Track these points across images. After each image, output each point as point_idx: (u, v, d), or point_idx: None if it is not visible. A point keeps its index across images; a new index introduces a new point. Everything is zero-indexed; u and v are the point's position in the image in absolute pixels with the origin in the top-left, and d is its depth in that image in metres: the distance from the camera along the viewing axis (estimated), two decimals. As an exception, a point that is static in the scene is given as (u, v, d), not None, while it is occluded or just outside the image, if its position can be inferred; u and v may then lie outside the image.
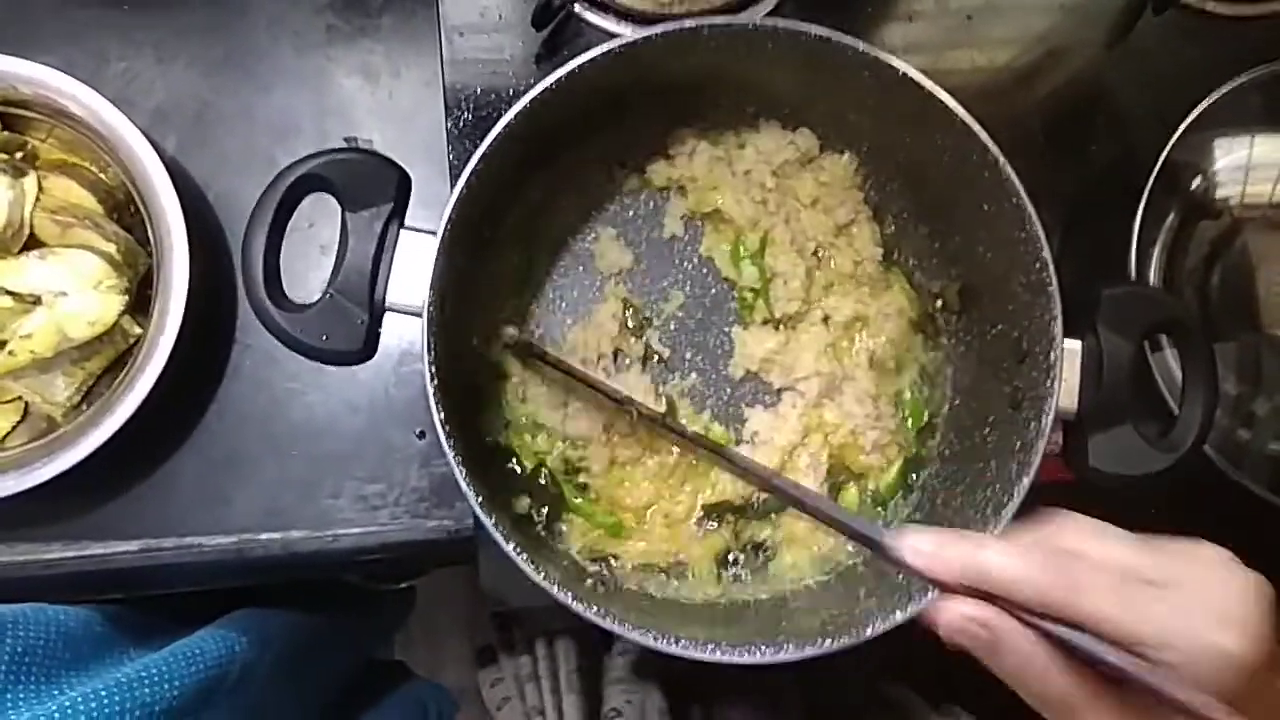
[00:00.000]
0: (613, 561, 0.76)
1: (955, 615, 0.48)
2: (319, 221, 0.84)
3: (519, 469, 0.76)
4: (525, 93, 0.63)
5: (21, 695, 0.66)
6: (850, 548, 0.77)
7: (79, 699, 0.64)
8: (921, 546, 0.50)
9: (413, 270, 0.62)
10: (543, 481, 0.76)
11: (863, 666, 1.05)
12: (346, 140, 0.86)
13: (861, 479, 0.79)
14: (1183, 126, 0.82)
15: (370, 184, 0.62)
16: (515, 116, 0.63)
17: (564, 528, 0.76)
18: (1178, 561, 0.47)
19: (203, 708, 0.72)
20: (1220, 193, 0.88)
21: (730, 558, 0.77)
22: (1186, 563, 0.47)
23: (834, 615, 0.67)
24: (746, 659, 0.61)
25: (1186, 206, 0.87)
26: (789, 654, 0.61)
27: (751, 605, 0.74)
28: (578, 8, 0.82)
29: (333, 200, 0.64)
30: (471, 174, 0.62)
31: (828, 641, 0.61)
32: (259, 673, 0.79)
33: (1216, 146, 0.88)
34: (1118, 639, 0.45)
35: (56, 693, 0.67)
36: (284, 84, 0.87)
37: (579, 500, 0.76)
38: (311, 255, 0.84)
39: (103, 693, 0.65)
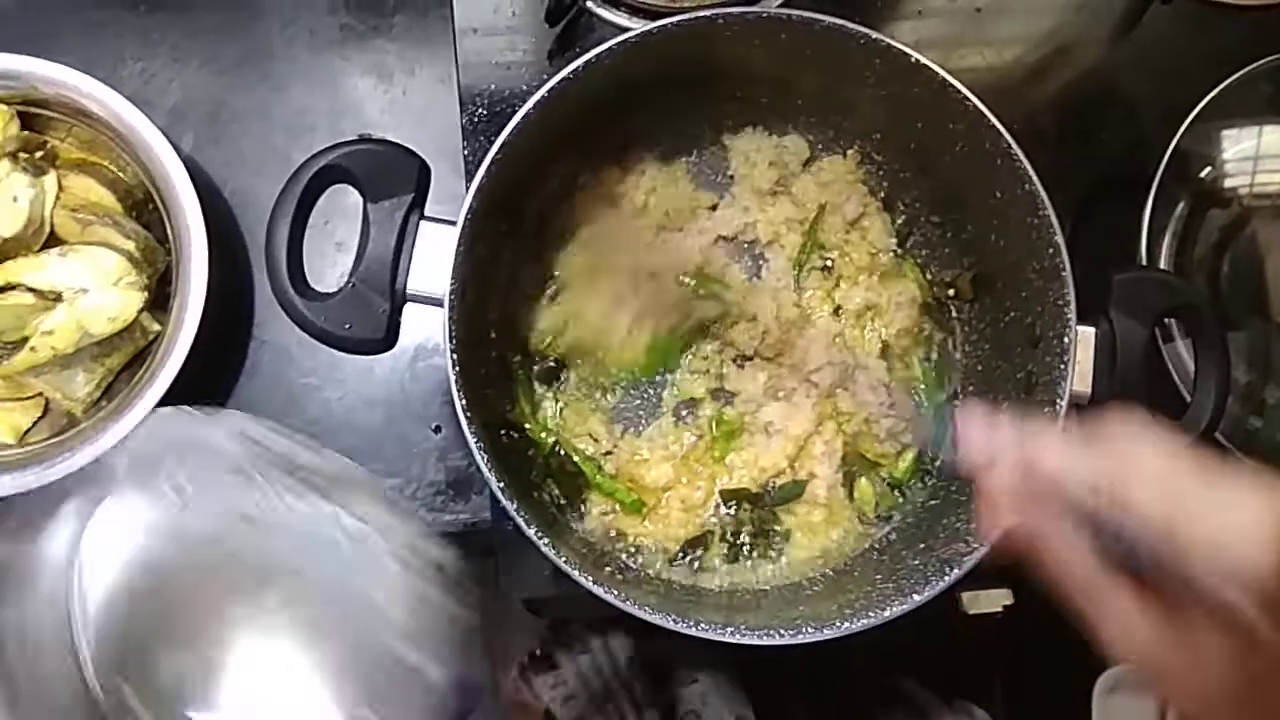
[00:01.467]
0: (630, 543, 0.76)
1: (999, 536, 0.49)
2: (334, 218, 0.84)
3: (537, 455, 0.77)
4: (540, 88, 0.64)
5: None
6: (862, 533, 0.77)
7: None
8: (976, 431, 0.50)
9: (434, 260, 0.63)
10: (561, 464, 0.76)
11: (875, 662, 1.06)
12: (361, 138, 0.86)
13: (876, 468, 0.79)
14: (1192, 116, 0.82)
15: (391, 174, 0.62)
16: (534, 107, 0.63)
17: (584, 508, 0.77)
18: (1233, 480, 0.45)
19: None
20: (1229, 182, 0.88)
21: (745, 544, 0.77)
22: (1244, 482, 0.45)
23: (850, 599, 0.67)
24: (764, 641, 0.61)
25: (1196, 195, 0.87)
26: (807, 636, 0.61)
27: (768, 591, 0.74)
28: (590, 3, 0.82)
29: (349, 197, 0.65)
30: (491, 163, 0.62)
31: (845, 624, 0.62)
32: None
33: (1225, 136, 0.88)
34: (1161, 533, 0.44)
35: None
36: (299, 83, 0.88)
37: (599, 478, 0.76)
38: (328, 252, 0.85)
39: None
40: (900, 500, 0.78)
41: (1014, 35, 0.91)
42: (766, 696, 0.99)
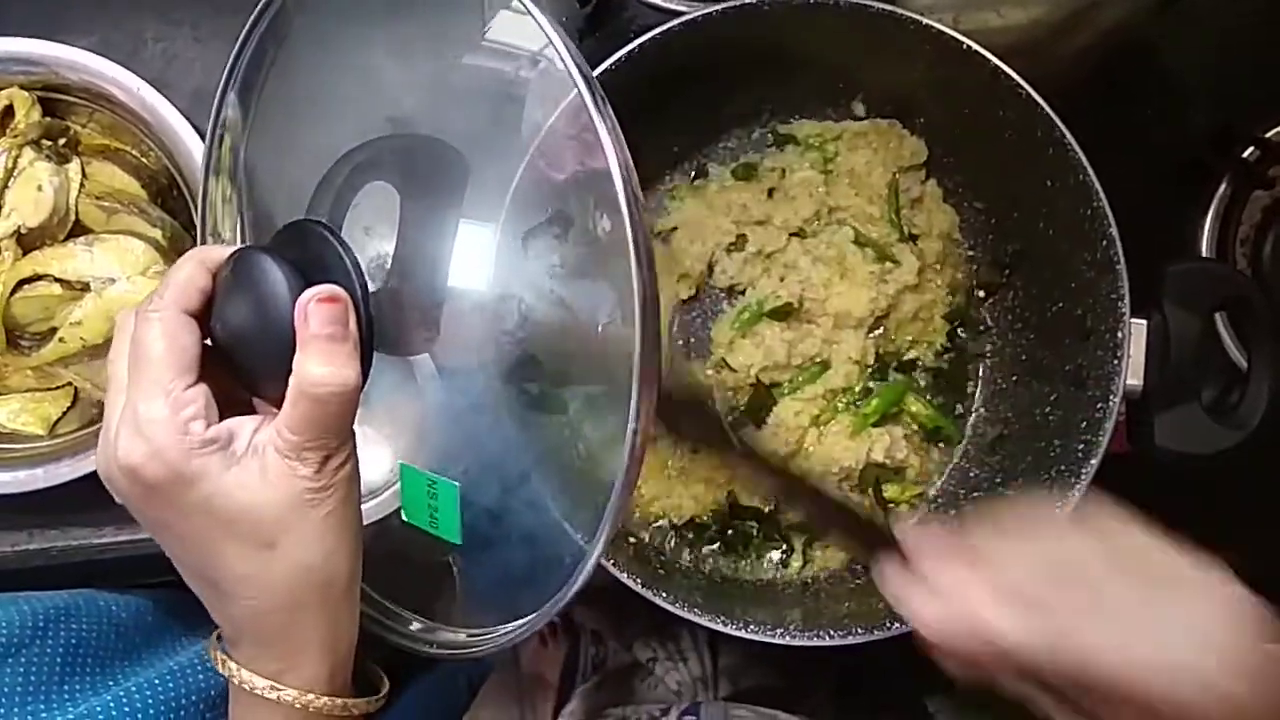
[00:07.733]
0: (667, 521, 0.75)
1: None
2: (363, 202, 0.82)
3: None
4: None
5: (77, 687, 0.66)
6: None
7: (133, 689, 0.65)
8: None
9: (473, 262, 0.61)
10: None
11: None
12: (390, 119, 0.84)
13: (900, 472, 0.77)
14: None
15: (429, 171, 0.60)
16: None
17: None
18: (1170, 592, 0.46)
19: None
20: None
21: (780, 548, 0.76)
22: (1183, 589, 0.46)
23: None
24: (815, 643, 0.61)
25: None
26: (858, 637, 0.61)
27: (814, 582, 0.74)
28: (623, -19, 0.80)
29: (375, 181, 0.63)
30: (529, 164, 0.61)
31: (897, 625, 0.61)
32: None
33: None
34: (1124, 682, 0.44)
35: (111, 683, 0.67)
36: (323, 61, 0.85)
37: None
38: (357, 237, 0.82)
39: (155, 681, 0.66)
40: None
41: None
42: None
